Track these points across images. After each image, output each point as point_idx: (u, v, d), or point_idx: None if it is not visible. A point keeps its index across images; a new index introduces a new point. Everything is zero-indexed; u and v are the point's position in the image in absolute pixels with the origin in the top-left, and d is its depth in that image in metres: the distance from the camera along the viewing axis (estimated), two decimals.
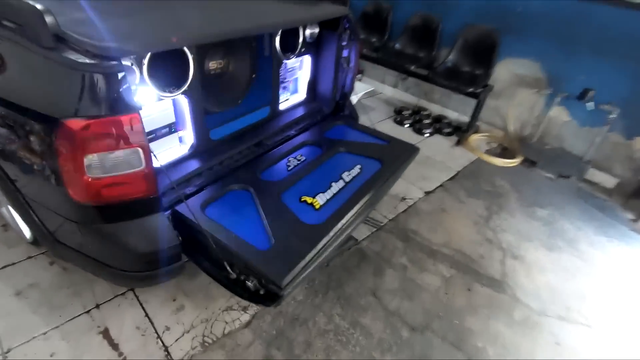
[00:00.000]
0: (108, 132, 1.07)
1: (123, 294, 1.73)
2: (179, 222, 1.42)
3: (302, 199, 1.59)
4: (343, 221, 1.49)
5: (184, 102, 1.57)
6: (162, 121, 1.55)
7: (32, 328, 1.55)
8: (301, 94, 2.35)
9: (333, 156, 1.92)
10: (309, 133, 2.11)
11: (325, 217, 1.49)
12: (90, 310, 1.65)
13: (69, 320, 1.60)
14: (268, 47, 1.91)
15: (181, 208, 1.44)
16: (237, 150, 1.81)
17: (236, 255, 1.29)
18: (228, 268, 1.30)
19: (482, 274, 2.03)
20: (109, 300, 1.70)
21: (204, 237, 1.33)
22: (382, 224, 2.29)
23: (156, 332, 1.60)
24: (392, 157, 1.96)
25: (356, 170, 1.82)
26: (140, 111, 1.15)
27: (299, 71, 2.31)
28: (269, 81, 1.99)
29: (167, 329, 1.62)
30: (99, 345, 1.53)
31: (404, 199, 2.53)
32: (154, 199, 1.32)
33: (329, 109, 2.35)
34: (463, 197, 2.62)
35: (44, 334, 1.54)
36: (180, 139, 1.68)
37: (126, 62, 1.23)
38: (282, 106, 2.19)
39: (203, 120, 1.67)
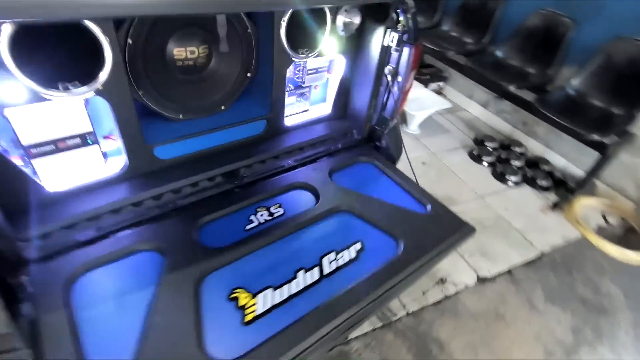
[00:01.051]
0: None
1: None
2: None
3: (234, 294, 0.97)
4: None
5: (104, 105, 1.05)
6: (70, 128, 1.06)
7: None
8: (326, 106, 1.69)
9: (327, 217, 1.25)
10: (312, 168, 1.46)
11: (247, 347, 0.87)
12: None
13: None
14: (271, 37, 1.28)
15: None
16: (191, 180, 1.25)
17: None
18: None
19: None
20: None
21: None
22: (393, 319, 1.56)
23: None
24: (423, 238, 1.22)
25: (352, 251, 1.13)
26: None
27: (328, 74, 1.64)
28: (271, 84, 1.38)
29: None
30: None
31: (442, 281, 1.74)
32: None
33: (360, 134, 1.65)
34: (539, 300, 1.72)
35: None
36: (105, 155, 1.18)
37: None
38: (290, 121, 1.56)
39: (139, 134, 1.14)
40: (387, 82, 1.46)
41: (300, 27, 1.33)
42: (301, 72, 1.54)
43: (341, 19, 1.37)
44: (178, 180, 1.23)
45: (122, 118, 1.08)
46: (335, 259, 1.11)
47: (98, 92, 0.99)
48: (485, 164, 2.60)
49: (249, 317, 0.93)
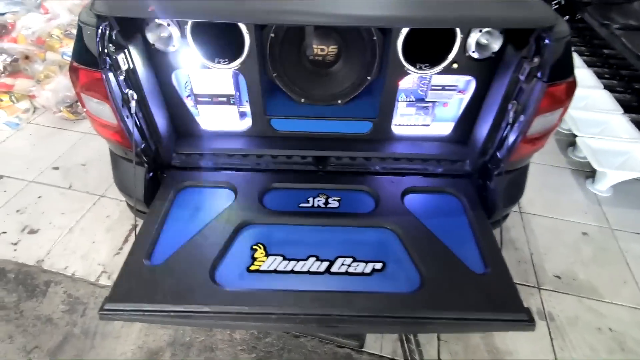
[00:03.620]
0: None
1: None
2: None
3: (255, 247, 1.20)
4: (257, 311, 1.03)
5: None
6: (222, 90, 1.49)
7: None
8: (449, 127, 1.58)
9: (370, 228, 1.28)
10: (390, 180, 1.45)
11: (240, 286, 1.09)
12: None
13: None
14: (391, 48, 1.33)
15: None
16: (289, 153, 1.53)
17: None
18: None
19: None
20: None
21: None
22: (416, 357, 1.43)
23: None
24: (454, 295, 1.08)
25: (369, 266, 1.15)
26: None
27: (459, 95, 1.53)
28: (383, 91, 1.44)
29: None
30: None
31: None
32: None
33: (471, 166, 1.49)
34: None
35: None
36: (242, 115, 1.59)
37: (163, 22, 1.22)
38: (399, 130, 1.58)
39: (262, 105, 1.48)
40: (511, 116, 1.25)
41: (422, 42, 1.31)
42: (425, 86, 1.51)
43: (474, 39, 1.26)
44: (280, 149, 1.53)
45: (252, 91, 1.43)
46: (348, 264, 1.16)
47: (238, 70, 1.36)
48: None
49: (253, 267, 1.15)
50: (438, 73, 1.37)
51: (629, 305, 1.62)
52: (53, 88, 2.41)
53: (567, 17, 3.71)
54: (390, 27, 1.27)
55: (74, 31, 2.53)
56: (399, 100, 1.54)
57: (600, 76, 2.86)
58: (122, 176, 1.45)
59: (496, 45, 1.26)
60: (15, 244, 1.80)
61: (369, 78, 1.49)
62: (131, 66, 1.18)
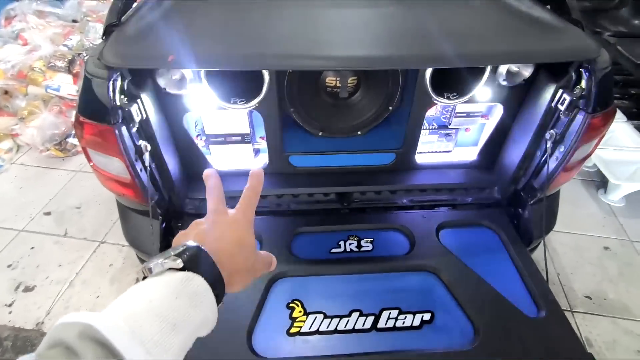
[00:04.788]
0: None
1: None
2: None
3: (292, 304, 1.10)
4: None
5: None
6: (236, 129, 1.40)
7: None
8: (474, 152, 1.53)
9: (411, 272, 1.20)
10: (422, 215, 1.38)
11: (282, 354, 0.98)
12: None
13: None
14: (414, 78, 1.27)
15: None
16: (310, 191, 1.44)
17: None
18: None
19: None
20: None
21: None
22: None
23: None
24: (513, 345, 1.01)
25: (417, 318, 1.07)
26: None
27: (484, 119, 1.48)
28: (408, 121, 1.38)
29: None
30: None
31: None
32: None
33: (501, 194, 1.44)
34: None
35: None
36: (256, 152, 1.49)
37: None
38: (422, 159, 1.51)
39: (279, 142, 1.39)
40: (548, 147, 1.20)
41: (450, 70, 1.25)
42: (449, 114, 1.46)
43: (505, 67, 1.21)
44: (301, 187, 1.44)
45: (269, 129, 1.34)
46: (395, 317, 1.07)
47: (255, 108, 1.27)
48: None
49: (294, 330, 1.04)
50: (464, 102, 1.31)
51: None
52: (38, 125, 2.24)
53: None
54: (425, 68, 1.20)
55: (59, 63, 2.39)
56: (423, 128, 1.48)
57: None
58: (133, 230, 1.32)
59: (527, 72, 1.21)
60: (10, 305, 1.63)
61: (390, 108, 1.43)
62: (144, 116, 1.07)
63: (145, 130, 1.10)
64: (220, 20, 1.11)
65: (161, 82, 1.15)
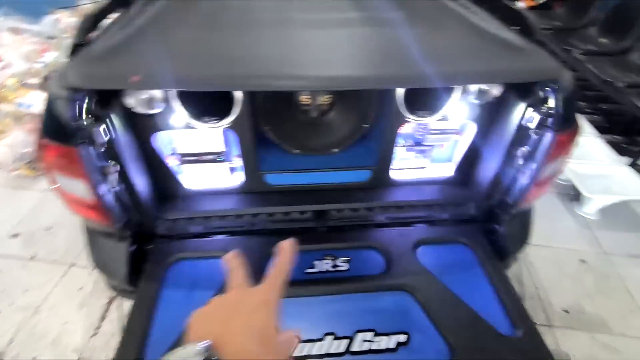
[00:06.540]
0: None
1: None
2: None
3: None
4: None
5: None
6: (209, 147, 1.37)
7: None
8: (450, 168, 1.54)
9: (386, 292, 1.18)
10: (399, 233, 1.38)
11: None
12: None
13: None
14: (387, 97, 1.29)
15: None
16: (286, 209, 1.41)
17: None
18: None
19: None
20: None
21: None
22: None
23: None
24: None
25: (392, 340, 1.04)
26: None
27: (456, 136, 1.50)
28: (382, 139, 1.38)
29: None
30: None
31: None
32: None
33: (477, 210, 1.44)
34: None
35: None
36: (232, 170, 1.47)
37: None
38: (398, 175, 1.52)
39: (254, 161, 1.37)
40: (519, 165, 1.22)
41: (422, 89, 1.27)
42: (423, 130, 1.47)
43: (475, 86, 1.23)
44: (277, 205, 1.42)
45: (244, 147, 1.32)
46: (370, 339, 1.05)
47: (229, 127, 1.25)
48: None
49: None
50: (437, 120, 1.33)
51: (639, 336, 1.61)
52: (9, 143, 2.18)
53: None
54: (389, 88, 1.22)
55: (32, 81, 2.35)
56: (397, 145, 1.49)
57: None
58: (101, 254, 1.27)
59: (497, 91, 1.24)
60: None
61: (365, 126, 1.43)
62: (112, 136, 1.04)
63: (112, 150, 1.07)
64: (190, 40, 1.10)
65: (129, 101, 1.13)
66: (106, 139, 1.00)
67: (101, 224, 1.17)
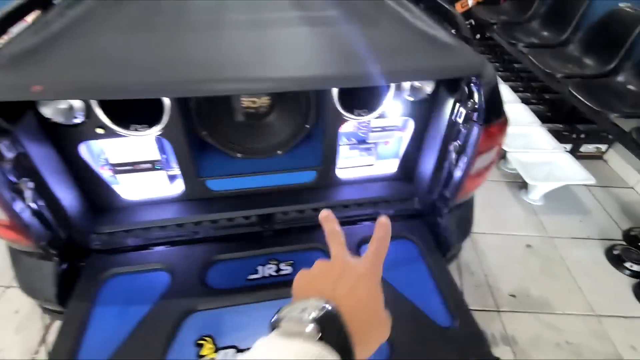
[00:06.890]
0: None
1: None
2: None
3: (201, 341, 1.04)
4: None
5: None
6: (144, 156, 1.32)
7: None
8: (394, 165, 1.56)
9: None
10: (344, 231, 1.38)
11: None
12: None
13: None
14: (324, 97, 1.28)
15: None
16: (230, 215, 1.38)
17: None
18: None
19: None
20: None
21: None
22: None
23: None
24: (426, 357, 1.01)
25: None
26: None
27: (399, 133, 1.52)
28: (324, 138, 1.37)
29: None
30: None
31: None
32: None
33: (421, 205, 1.47)
34: None
35: None
36: (172, 178, 1.42)
37: None
38: (344, 174, 1.52)
39: (193, 168, 1.32)
40: (453, 158, 1.24)
41: (358, 88, 1.27)
42: (365, 129, 1.48)
43: (408, 83, 1.25)
44: (220, 211, 1.38)
45: (179, 154, 1.28)
46: None
47: (161, 135, 1.20)
48: (627, 272, 1.90)
49: None
50: (376, 117, 1.34)
51: (579, 313, 1.70)
52: None
53: (478, 35, 4.05)
54: (317, 89, 1.21)
55: None
56: (341, 144, 1.49)
57: (514, 90, 3.12)
58: (26, 274, 1.19)
59: (429, 88, 1.26)
60: None
61: (307, 126, 1.42)
62: (22, 151, 0.97)
63: (24, 165, 1.00)
64: (115, 45, 1.05)
65: (46, 111, 1.05)
66: (12, 155, 0.93)
67: (21, 244, 1.09)
